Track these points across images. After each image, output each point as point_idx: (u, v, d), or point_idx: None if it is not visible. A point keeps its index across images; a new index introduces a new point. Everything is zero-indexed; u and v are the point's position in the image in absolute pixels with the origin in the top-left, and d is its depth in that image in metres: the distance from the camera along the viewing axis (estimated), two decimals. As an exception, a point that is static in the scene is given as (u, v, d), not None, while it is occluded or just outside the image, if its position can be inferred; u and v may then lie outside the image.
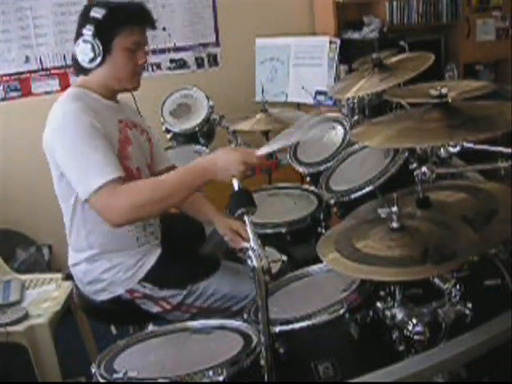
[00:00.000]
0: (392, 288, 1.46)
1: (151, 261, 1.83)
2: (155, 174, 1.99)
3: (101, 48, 1.73)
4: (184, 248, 1.93)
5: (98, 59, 1.74)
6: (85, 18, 1.75)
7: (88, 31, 1.71)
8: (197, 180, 1.61)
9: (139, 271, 1.81)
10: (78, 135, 1.64)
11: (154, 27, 1.83)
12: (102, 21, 1.71)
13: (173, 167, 2.08)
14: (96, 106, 1.76)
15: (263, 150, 1.58)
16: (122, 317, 1.89)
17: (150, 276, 1.81)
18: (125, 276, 1.80)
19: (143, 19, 1.79)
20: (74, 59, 1.79)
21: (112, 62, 1.76)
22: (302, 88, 3.32)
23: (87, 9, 1.76)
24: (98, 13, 1.72)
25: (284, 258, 2.03)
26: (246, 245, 1.68)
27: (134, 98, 2.02)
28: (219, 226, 1.95)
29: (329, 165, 2.37)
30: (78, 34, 1.75)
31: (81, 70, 1.80)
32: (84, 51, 1.73)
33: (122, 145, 1.77)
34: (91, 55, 1.73)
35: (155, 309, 1.83)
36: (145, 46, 1.83)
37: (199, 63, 3.69)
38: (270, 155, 1.61)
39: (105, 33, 1.72)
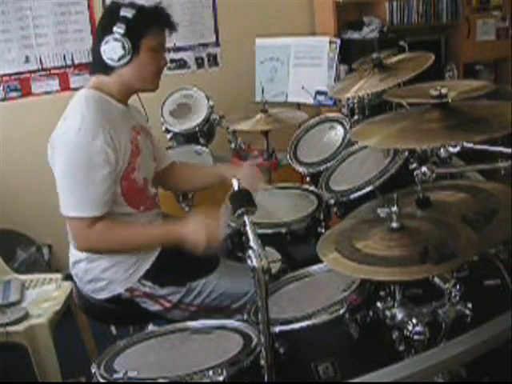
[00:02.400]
0: (392, 288, 1.46)
1: (150, 259, 1.83)
2: (159, 174, 2.03)
3: (130, 47, 1.74)
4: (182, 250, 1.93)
5: (127, 58, 1.75)
6: (114, 17, 1.75)
7: (119, 29, 1.72)
8: (163, 243, 1.80)
9: (139, 269, 1.81)
10: (83, 161, 1.68)
11: (175, 30, 1.85)
12: (133, 20, 1.73)
13: (174, 164, 2.12)
14: (113, 114, 1.78)
15: (224, 230, 1.77)
16: (122, 316, 1.89)
17: (150, 274, 1.82)
18: (125, 275, 1.80)
19: (168, 21, 1.83)
20: (97, 57, 1.77)
21: (138, 62, 1.78)
22: (302, 88, 3.32)
23: (115, 7, 1.77)
24: (128, 12, 1.73)
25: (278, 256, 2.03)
26: (262, 186, 2.01)
27: (140, 99, 2.02)
28: (233, 173, 1.99)
29: (329, 165, 2.37)
30: (105, 32, 1.74)
31: (103, 68, 1.79)
32: (114, 49, 1.74)
33: (133, 159, 1.80)
34: (121, 53, 1.74)
35: (155, 307, 1.83)
36: (165, 47, 1.86)
37: (199, 63, 3.69)
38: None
39: (134, 32, 1.74)
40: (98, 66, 1.80)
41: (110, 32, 1.73)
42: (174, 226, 1.79)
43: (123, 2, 1.78)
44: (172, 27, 1.84)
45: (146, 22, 1.76)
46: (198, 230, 1.71)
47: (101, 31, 1.78)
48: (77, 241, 1.74)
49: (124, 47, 1.73)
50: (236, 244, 2.07)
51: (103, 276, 1.81)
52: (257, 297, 1.29)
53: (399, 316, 1.42)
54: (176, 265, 1.85)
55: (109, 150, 1.69)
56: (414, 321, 1.38)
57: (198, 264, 1.88)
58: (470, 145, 1.67)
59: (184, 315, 1.83)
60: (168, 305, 1.82)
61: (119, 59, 1.75)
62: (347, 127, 2.52)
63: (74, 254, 1.86)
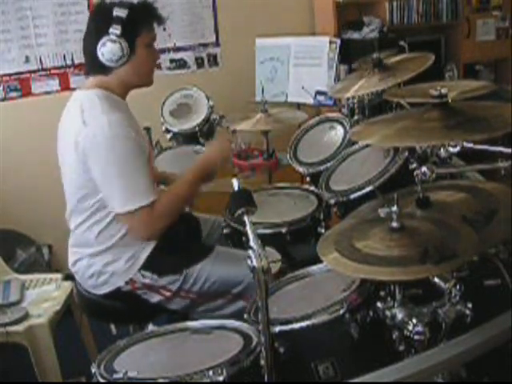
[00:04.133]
0: (392, 288, 1.45)
1: (148, 249, 1.86)
2: None
3: (128, 47, 1.76)
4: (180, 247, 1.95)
5: (125, 58, 1.77)
6: (106, 17, 1.75)
7: (115, 30, 1.73)
8: (204, 176, 1.92)
9: (137, 260, 1.84)
10: (124, 154, 1.71)
11: (164, 23, 1.89)
12: (127, 20, 1.74)
13: None
14: (124, 110, 1.81)
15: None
16: (123, 312, 1.90)
17: (148, 264, 1.84)
18: (124, 267, 1.83)
19: (158, 16, 1.86)
20: (93, 58, 1.78)
21: (135, 60, 1.80)
22: (302, 88, 3.32)
23: (105, 7, 1.77)
24: (121, 12, 1.74)
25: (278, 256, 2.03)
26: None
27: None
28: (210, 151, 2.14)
29: (329, 165, 2.37)
30: (100, 34, 1.75)
31: (101, 69, 1.80)
32: (112, 51, 1.75)
33: (149, 149, 1.87)
34: (119, 54, 1.75)
35: (156, 298, 1.85)
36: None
37: (199, 63, 3.69)
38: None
39: (130, 32, 1.76)
40: (95, 67, 1.81)
41: (106, 33, 1.74)
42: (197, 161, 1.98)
43: (113, 2, 1.79)
44: (161, 21, 1.87)
45: (139, 20, 1.79)
46: (213, 150, 2.00)
47: (94, 32, 1.78)
48: (142, 231, 1.78)
49: (122, 48, 1.74)
50: (236, 244, 2.07)
51: (105, 270, 1.83)
52: (256, 297, 1.29)
53: (399, 316, 1.42)
54: (172, 253, 1.87)
55: (139, 139, 1.76)
56: (414, 321, 1.37)
57: (193, 251, 1.90)
58: (470, 145, 1.67)
59: (185, 303, 1.85)
60: (168, 294, 1.85)
61: (118, 60, 1.76)
62: (347, 127, 2.52)
63: (76, 252, 1.88)
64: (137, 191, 1.72)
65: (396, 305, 1.44)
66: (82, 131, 1.73)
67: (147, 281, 1.83)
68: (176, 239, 1.88)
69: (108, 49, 1.74)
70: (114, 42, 1.73)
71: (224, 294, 1.85)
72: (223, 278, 1.84)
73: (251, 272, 1.28)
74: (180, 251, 1.88)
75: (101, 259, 1.83)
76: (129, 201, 1.72)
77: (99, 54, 1.75)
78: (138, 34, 1.78)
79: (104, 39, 1.73)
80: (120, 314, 1.92)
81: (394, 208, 1.38)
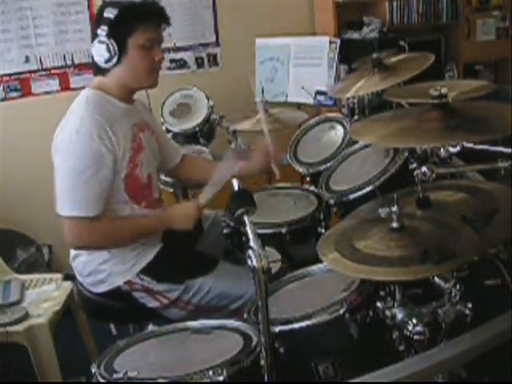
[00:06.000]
0: (392, 288, 1.46)
1: (150, 254, 1.86)
2: (174, 169, 2.12)
3: (116, 48, 1.75)
4: (183, 244, 1.94)
5: (114, 59, 1.76)
6: (99, 19, 1.76)
7: (102, 31, 1.73)
8: (156, 232, 1.88)
9: (138, 263, 1.84)
10: (79, 162, 1.70)
11: (168, 24, 1.85)
12: (115, 21, 1.74)
13: (185, 156, 2.18)
14: (113, 112, 1.79)
15: (205, 198, 1.87)
16: (121, 312, 1.90)
17: (149, 269, 1.84)
18: (124, 267, 1.83)
19: (155, 17, 1.81)
20: (93, 60, 1.80)
21: (128, 61, 1.78)
22: (302, 88, 3.32)
23: (102, 9, 1.78)
24: (110, 13, 1.74)
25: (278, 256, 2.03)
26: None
27: (148, 95, 2.02)
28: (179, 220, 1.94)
29: (329, 165, 2.37)
30: (94, 34, 1.77)
31: (98, 70, 1.82)
32: (100, 52, 1.75)
33: (134, 155, 1.81)
34: (107, 55, 1.75)
35: (153, 303, 1.84)
36: (161, 42, 1.86)
37: (199, 63, 3.69)
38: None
39: (118, 32, 1.74)
40: (95, 67, 1.83)
41: (97, 34, 1.75)
42: (162, 215, 1.89)
43: (110, 2, 1.79)
44: (164, 21, 1.83)
45: (128, 20, 1.76)
46: (183, 210, 1.87)
47: (92, 33, 1.81)
48: (70, 239, 1.75)
49: (109, 49, 1.74)
50: (236, 244, 2.07)
51: (102, 268, 1.83)
52: (257, 297, 1.29)
53: (399, 316, 1.42)
54: (175, 262, 1.87)
55: (106, 151, 1.71)
56: (414, 321, 1.37)
57: (197, 263, 1.90)
58: (470, 145, 1.67)
59: (181, 314, 1.84)
60: (165, 301, 1.84)
61: (106, 61, 1.76)
62: (347, 127, 2.52)
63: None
64: (77, 200, 1.71)
65: (396, 305, 1.44)
66: (60, 129, 1.76)
67: (146, 284, 1.83)
68: (179, 239, 1.88)
69: (96, 50, 1.76)
70: (102, 42, 1.73)
71: (221, 310, 1.84)
72: (223, 294, 1.84)
73: (251, 271, 1.28)
74: (183, 260, 1.88)
75: (98, 256, 1.83)
76: (66, 206, 1.71)
77: (93, 54, 1.77)
78: (128, 35, 1.75)
79: (95, 40, 1.75)
80: (118, 313, 1.92)
81: (394, 208, 1.38)
